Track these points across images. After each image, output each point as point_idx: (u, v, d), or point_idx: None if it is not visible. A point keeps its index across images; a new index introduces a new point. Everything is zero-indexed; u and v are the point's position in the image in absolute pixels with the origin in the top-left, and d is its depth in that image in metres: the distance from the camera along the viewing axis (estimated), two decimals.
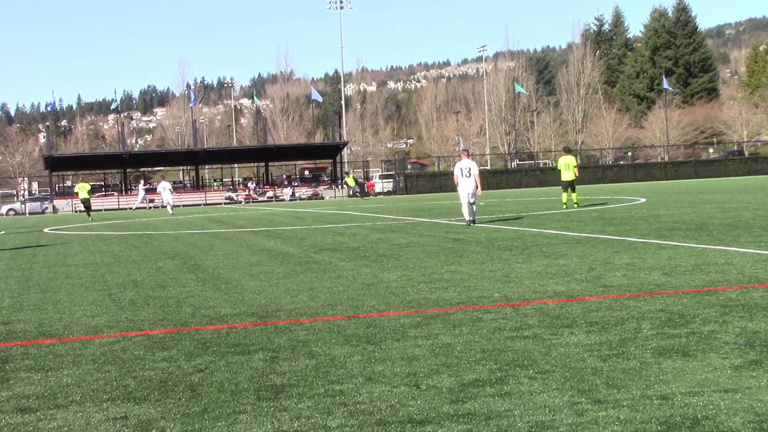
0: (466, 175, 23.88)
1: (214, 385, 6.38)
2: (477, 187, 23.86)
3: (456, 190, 24.75)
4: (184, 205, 71.05)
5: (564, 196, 31.94)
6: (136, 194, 70.83)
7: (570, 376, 6.17)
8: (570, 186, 31.84)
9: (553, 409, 5.39)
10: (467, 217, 23.77)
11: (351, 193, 73.99)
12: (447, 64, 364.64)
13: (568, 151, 34.85)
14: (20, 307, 11.09)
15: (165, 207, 53.45)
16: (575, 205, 31.70)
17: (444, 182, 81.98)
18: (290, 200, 77.44)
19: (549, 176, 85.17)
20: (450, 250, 16.50)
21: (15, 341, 8.63)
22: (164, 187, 53.33)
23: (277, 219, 34.72)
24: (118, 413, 5.74)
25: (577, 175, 32.09)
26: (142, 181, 75.02)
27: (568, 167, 31.85)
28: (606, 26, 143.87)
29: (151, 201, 68.91)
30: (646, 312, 8.62)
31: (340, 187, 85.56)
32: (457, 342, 7.58)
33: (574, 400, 5.57)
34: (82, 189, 49.63)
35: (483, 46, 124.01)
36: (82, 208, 51.95)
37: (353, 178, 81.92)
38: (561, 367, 6.48)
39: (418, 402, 5.69)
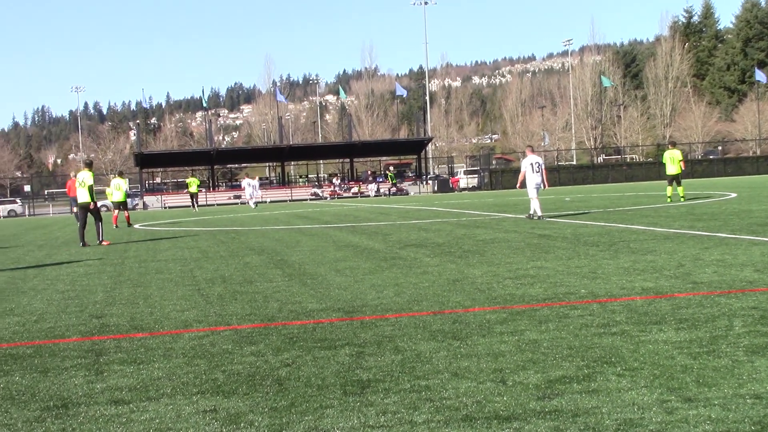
0: (536, 171, 24.78)
1: (301, 380, 6.43)
2: (544, 182, 24.93)
3: (520, 186, 25.96)
4: (270, 201, 71.76)
5: (669, 190, 32.12)
6: (242, 190, 71.90)
7: (659, 374, 6.08)
8: (675, 180, 31.96)
9: (642, 407, 5.31)
10: (538, 212, 24.59)
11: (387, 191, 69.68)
12: (532, 58, 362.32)
13: (674, 144, 34.99)
14: (113, 302, 11.33)
15: (246, 203, 55.33)
16: (681, 199, 31.49)
17: None
18: (375, 196, 77.64)
19: (636, 171, 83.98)
20: (536, 246, 16.38)
21: (108, 335, 8.82)
22: (248, 183, 55.28)
23: (362, 215, 34.86)
24: (208, 406, 5.83)
25: (683, 168, 32.17)
26: (247, 177, 75.85)
27: (673, 161, 31.84)
28: (695, 18, 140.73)
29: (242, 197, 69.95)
30: (737, 309, 8.45)
31: (370, 185, 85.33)
32: (544, 338, 7.52)
33: (663, 398, 5.48)
34: (192, 183, 53.63)
35: (569, 40, 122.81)
36: (188, 203, 58.13)
37: (392, 175, 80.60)
38: (650, 364, 6.39)
39: (505, 398, 5.67)
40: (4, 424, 5.64)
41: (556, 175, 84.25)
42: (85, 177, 23.30)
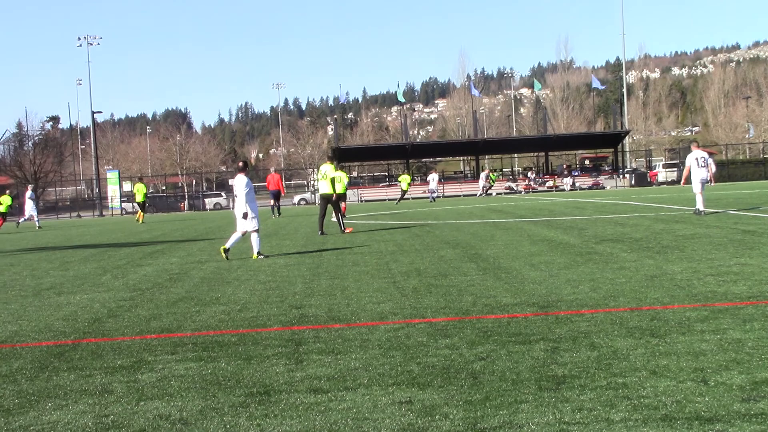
0: (702, 165, 24.86)
1: (495, 374, 6.44)
2: (710, 177, 25.06)
3: (685, 182, 26.02)
4: (464, 195, 71.97)
5: None
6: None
7: None
8: None
9: None
10: (700, 208, 24.57)
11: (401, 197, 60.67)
12: (736, 47, 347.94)
13: None
14: (311, 293, 11.65)
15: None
16: None
17: (733, 171, 78.43)
18: (570, 190, 76.58)
19: None
20: (739, 242, 15.77)
21: (307, 325, 9.08)
22: (433, 178, 58.25)
23: (557, 209, 34.47)
24: (403, 398, 5.92)
25: None
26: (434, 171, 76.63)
27: None
28: None
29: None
30: None
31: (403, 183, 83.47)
32: (748, 338, 7.25)
33: None
34: (404, 180, 55.65)
35: None
36: (399, 197, 60.12)
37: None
38: None
39: (706, 399, 5.50)
40: (212, 407, 5.91)
41: (762, 169, 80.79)
42: (327, 170, 24.58)
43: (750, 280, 10.70)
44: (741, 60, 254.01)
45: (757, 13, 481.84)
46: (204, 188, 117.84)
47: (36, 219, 44.63)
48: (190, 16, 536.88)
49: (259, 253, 17.46)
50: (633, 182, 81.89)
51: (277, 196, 42.30)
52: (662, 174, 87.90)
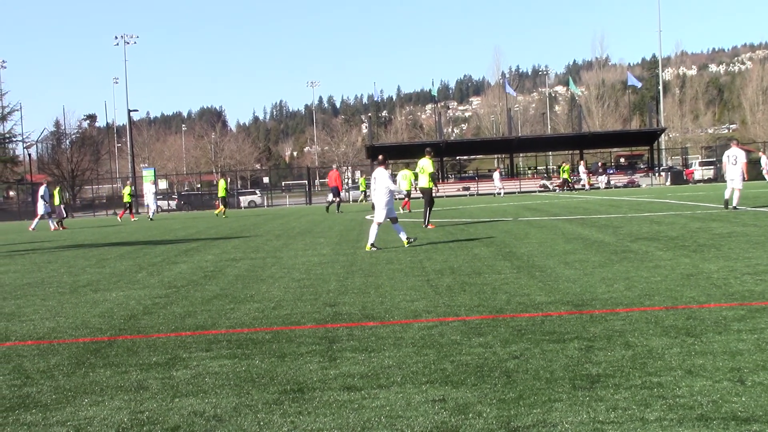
0: (732, 163, 26.29)
1: (529, 372, 6.42)
2: (742, 175, 26.12)
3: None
4: (495, 194, 71.80)
5: None
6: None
7: None
8: None
9: None
10: (733, 203, 25.75)
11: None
12: None
13: None
14: (345, 291, 11.67)
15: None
16: None
17: None
18: (605, 188, 76.15)
19: None
20: None
21: (341, 322, 9.10)
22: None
23: (591, 207, 34.29)
24: (437, 396, 5.92)
25: None
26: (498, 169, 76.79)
27: None
28: None
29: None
30: None
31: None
32: None
33: None
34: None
35: None
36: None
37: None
38: None
39: (743, 399, 5.46)
40: (246, 404, 5.94)
41: None
42: (425, 164, 25.42)
43: None
44: None
45: None
46: (239, 186, 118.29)
47: (50, 218, 42.07)
48: (226, 15, 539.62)
49: (372, 245, 17.91)
50: (669, 180, 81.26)
51: (336, 192, 44.73)
52: (699, 172, 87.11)
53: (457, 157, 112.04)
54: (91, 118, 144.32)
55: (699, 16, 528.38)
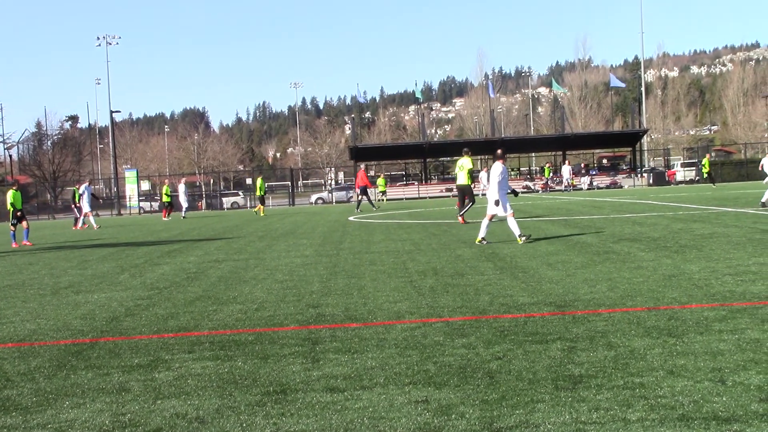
0: None
1: (511, 373, 6.43)
2: None
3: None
4: (482, 195, 71.84)
5: None
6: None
7: None
8: None
9: None
10: (763, 199, 26.43)
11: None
12: (756, 45, 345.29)
13: None
14: (328, 292, 11.66)
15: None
16: None
17: (752, 170, 77.90)
18: (588, 189, 76.39)
19: None
20: (758, 241, 15.69)
21: (324, 324, 9.09)
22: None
23: (574, 208, 34.39)
24: (420, 397, 5.92)
25: None
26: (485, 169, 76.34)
27: None
28: None
29: None
30: None
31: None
32: (766, 338, 7.23)
33: None
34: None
35: None
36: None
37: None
38: None
39: (724, 399, 5.48)
40: (228, 406, 5.93)
41: None
42: (464, 162, 26.86)
43: None
44: (761, 58, 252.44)
45: None
46: (221, 187, 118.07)
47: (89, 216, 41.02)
48: (209, 16, 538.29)
49: (521, 236, 17.80)
50: (651, 181, 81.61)
51: (363, 190, 45.58)
52: (680, 173, 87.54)
53: (440, 159, 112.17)
54: (73, 119, 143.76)
55: (681, 19, 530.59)
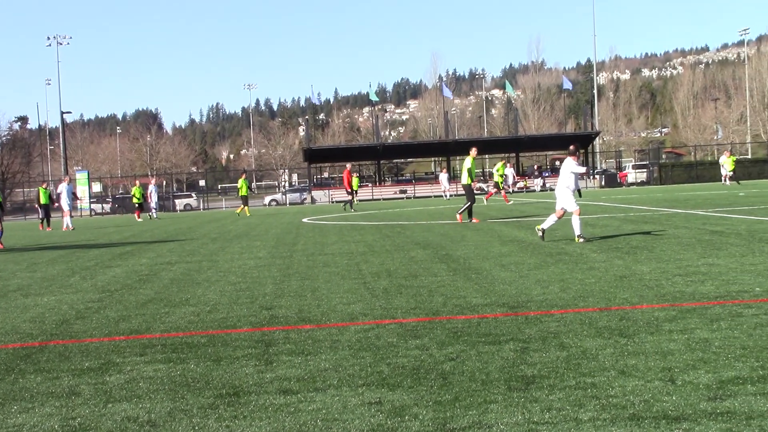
0: None
1: (465, 374, 6.45)
2: None
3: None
4: (435, 196, 72.06)
5: None
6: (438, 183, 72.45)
7: None
8: None
9: None
10: None
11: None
12: (705, 49, 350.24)
13: None
14: (282, 294, 11.62)
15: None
16: None
17: (701, 172, 78.93)
18: (541, 191, 76.89)
19: None
20: (707, 242, 15.89)
21: (277, 326, 9.06)
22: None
23: (527, 210, 34.59)
24: (373, 398, 5.91)
25: None
26: (444, 170, 75.62)
27: None
28: None
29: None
30: None
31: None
32: (715, 337, 7.30)
33: None
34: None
35: (745, 29, 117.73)
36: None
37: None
38: None
39: (674, 398, 5.54)
40: (180, 409, 5.88)
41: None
42: (465, 161, 27.66)
43: (717, 280, 10.78)
44: (710, 62, 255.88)
45: (725, 15, 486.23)
46: (174, 189, 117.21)
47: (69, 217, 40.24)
48: (162, 16, 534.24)
49: (579, 236, 17.54)
50: (603, 183, 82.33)
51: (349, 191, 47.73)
52: (632, 175, 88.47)
53: (394, 161, 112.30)
54: (23, 120, 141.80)
55: (632, 22, 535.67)
